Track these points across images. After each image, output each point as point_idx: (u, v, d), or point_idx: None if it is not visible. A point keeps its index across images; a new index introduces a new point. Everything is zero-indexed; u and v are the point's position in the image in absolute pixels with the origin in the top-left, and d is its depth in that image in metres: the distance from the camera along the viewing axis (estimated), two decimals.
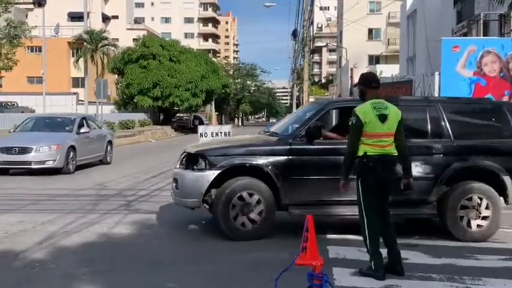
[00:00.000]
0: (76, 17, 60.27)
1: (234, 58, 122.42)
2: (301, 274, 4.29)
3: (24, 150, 13.51)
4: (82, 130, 14.96)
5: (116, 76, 45.29)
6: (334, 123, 9.41)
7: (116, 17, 71.37)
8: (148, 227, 7.62)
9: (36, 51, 46.20)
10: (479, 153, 7.04)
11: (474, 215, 6.83)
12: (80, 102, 43.98)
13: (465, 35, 19.82)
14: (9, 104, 38.44)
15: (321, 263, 4.17)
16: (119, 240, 6.89)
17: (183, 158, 7.26)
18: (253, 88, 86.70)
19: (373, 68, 37.73)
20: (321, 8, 51.32)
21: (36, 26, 36.48)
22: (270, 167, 6.72)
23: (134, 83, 41.56)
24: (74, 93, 47.19)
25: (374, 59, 51.72)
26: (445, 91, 12.34)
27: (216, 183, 6.77)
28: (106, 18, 69.15)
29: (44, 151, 13.49)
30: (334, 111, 9.19)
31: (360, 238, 5.45)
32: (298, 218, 6.76)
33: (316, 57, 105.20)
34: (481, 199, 6.85)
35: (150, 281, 5.21)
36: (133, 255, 6.10)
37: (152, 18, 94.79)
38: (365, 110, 5.24)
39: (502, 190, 7.02)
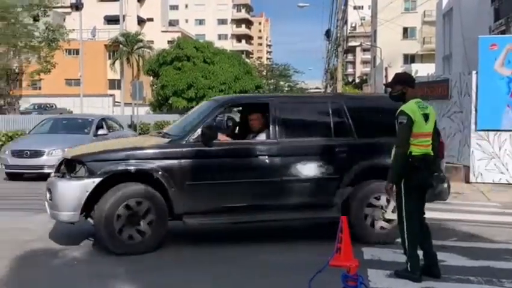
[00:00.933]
0: (112, 20, 61.46)
1: (267, 59, 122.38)
2: (335, 275, 4.27)
3: (36, 154, 12.86)
4: (100, 132, 14.18)
5: (151, 78, 45.91)
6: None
7: (151, 20, 72.33)
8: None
9: (73, 54, 47.23)
10: (381, 151, 6.42)
11: (379, 215, 6.50)
12: (117, 103, 44.83)
13: (503, 32, 19.35)
14: (48, 105, 39.44)
15: (356, 264, 4.16)
16: None
17: (60, 164, 6.46)
18: (286, 89, 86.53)
19: (408, 68, 37.22)
20: (355, 8, 50.82)
21: (73, 30, 37.35)
22: (160, 172, 6.02)
23: (169, 85, 42.01)
24: (111, 95, 48.06)
25: (409, 58, 50.97)
26: (483, 90, 12.07)
27: (100, 192, 5.94)
28: (141, 21, 70.17)
29: (57, 154, 12.19)
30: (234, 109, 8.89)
31: (396, 240, 5.39)
32: (325, 223, 6.69)
33: (350, 57, 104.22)
34: (388, 200, 6.34)
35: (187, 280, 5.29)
36: (160, 254, 6.11)
37: (187, 20, 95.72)
38: (413, 109, 5.13)
39: None
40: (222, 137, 6.59)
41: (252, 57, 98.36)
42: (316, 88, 79.27)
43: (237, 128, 7.77)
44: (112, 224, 5.88)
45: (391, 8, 45.51)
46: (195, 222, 6.23)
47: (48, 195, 6.25)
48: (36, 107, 38.25)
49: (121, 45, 46.63)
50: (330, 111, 6.72)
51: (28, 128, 17.21)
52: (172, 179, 6.04)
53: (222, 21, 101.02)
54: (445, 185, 5.27)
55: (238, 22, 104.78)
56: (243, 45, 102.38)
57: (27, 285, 5.21)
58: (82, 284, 5.24)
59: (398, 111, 5.21)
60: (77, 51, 42.55)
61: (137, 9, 69.39)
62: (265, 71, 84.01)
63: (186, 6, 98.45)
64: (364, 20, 56.60)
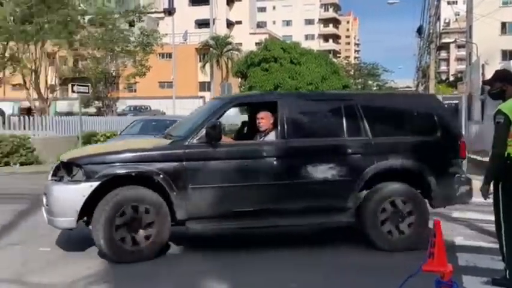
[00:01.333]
0: (202, 23, 63.21)
1: (355, 58, 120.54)
2: (427, 280, 4.12)
3: None
4: None
5: (239, 79, 46.73)
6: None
7: (239, 22, 73.56)
8: None
9: (166, 58, 49.02)
10: (399, 152, 6.33)
11: (396, 220, 6.18)
12: None
13: None
14: (143, 107, 41.27)
15: (450, 270, 3.98)
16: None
17: (56, 167, 6.20)
18: (374, 88, 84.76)
19: (507, 64, 35.07)
20: (448, 3, 48.88)
21: (166, 34, 38.83)
22: (161, 175, 5.72)
23: (257, 86, 42.48)
24: (201, 97, 49.42)
25: (508, 55, 48.12)
26: None
27: (98, 197, 5.66)
28: (230, 24, 71.58)
29: None
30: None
31: (493, 246, 5.11)
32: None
33: (443, 54, 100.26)
34: (404, 203, 6.19)
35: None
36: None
37: (274, 22, 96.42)
38: (511, 108, 4.85)
39: (426, 192, 6.38)
40: (226, 139, 6.35)
41: (339, 57, 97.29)
42: (407, 87, 76.91)
43: (245, 128, 7.45)
44: (110, 231, 5.59)
45: (488, 3, 43.22)
46: (199, 227, 5.94)
47: (44, 200, 6.00)
48: (132, 109, 40.16)
49: (211, 48, 47.82)
50: (343, 110, 6.41)
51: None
52: (174, 182, 5.75)
53: (309, 21, 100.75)
54: None
55: (325, 22, 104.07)
56: (330, 45, 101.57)
57: None
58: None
59: (496, 110, 4.95)
60: (169, 55, 44.18)
61: (227, 13, 70.84)
62: (352, 71, 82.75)
63: (274, 7, 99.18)
64: (458, 15, 54.12)
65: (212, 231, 6.26)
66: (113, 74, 35.98)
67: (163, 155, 5.88)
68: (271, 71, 42.78)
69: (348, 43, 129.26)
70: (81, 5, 30.23)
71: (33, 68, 26.53)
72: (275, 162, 6.12)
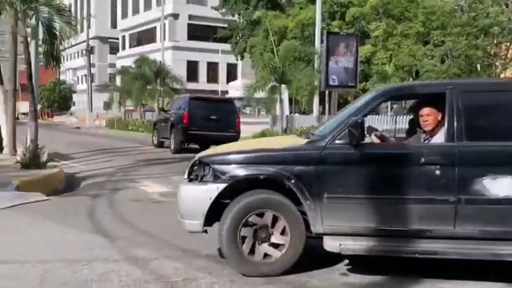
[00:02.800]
0: None
1: None
2: None
3: None
4: None
5: None
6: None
7: None
8: None
9: None
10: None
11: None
12: None
13: None
14: None
15: None
16: None
17: (192, 165, 5.51)
18: None
19: None
20: None
21: None
22: (293, 180, 4.95)
23: None
24: None
25: None
26: None
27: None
28: None
29: None
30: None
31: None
32: None
33: None
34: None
35: None
36: None
37: None
38: None
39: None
40: (380, 138, 5.44)
41: None
42: None
43: (415, 127, 6.10)
44: (236, 240, 4.99)
45: None
46: (335, 246, 4.94)
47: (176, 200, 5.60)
48: None
49: None
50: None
51: None
52: (307, 189, 4.94)
53: None
54: None
55: None
56: None
57: None
58: None
59: None
60: None
61: None
62: None
63: None
64: None
65: (351, 252, 5.06)
66: None
67: (296, 156, 5.09)
68: None
69: None
70: None
71: None
72: (437, 172, 4.92)
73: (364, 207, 4.94)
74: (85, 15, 63.61)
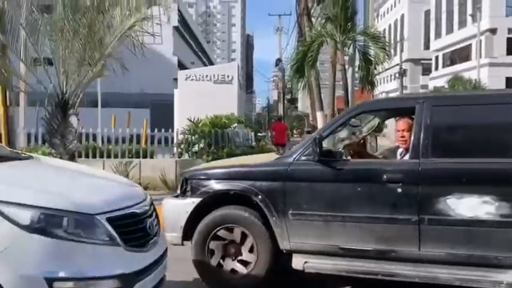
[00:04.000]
0: None
1: None
2: None
3: None
4: None
5: None
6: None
7: None
8: None
9: None
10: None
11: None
12: None
13: None
14: None
15: None
16: None
17: (182, 181, 5.69)
18: None
19: None
20: None
21: None
22: (260, 196, 4.97)
23: None
24: None
25: None
26: None
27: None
28: None
29: None
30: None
31: None
32: None
33: None
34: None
35: None
36: None
37: None
38: None
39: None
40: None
41: None
42: None
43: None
44: (203, 254, 5.18)
45: None
46: (299, 264, 4.98)
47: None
48: None
49: None
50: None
51: None
52: (273, 205, 4.98)
53: None
54: None
55: None
56: None
57: None
58: None
59: None
60: None
61: None
62: None
63: None
64: None
65: (315, 271, 5.10)
66: None
67: (264, 172, 5.22)
68: None
69: None
70: None
71: None
72: (399, 190, 4.69)
73: (327, 225, 4.88)
74: (398, 38, 65.31)
